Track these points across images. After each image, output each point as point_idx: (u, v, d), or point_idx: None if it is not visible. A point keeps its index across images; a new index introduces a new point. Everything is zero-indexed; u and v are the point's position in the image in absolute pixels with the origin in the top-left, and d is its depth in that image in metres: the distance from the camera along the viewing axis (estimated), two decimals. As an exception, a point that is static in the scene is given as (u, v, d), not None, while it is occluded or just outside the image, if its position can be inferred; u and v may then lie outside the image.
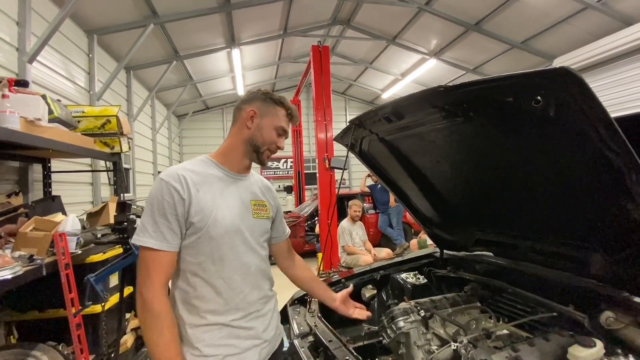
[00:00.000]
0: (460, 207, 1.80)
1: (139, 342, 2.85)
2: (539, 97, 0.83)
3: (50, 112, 2.34)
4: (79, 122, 2.90)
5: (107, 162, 3.53)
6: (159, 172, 8.22)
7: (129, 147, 3.36)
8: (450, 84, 1.00)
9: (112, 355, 2.40)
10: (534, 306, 1.43)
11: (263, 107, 1.13)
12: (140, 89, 6.95)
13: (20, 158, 2.84)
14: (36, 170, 3.19)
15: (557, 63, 6.29)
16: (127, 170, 6.03)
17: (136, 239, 0.98)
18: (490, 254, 1.84)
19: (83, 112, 3.02)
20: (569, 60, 6.10)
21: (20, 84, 2.23)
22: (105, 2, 4.27)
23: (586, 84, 0.72)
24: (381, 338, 1.57)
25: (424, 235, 4.14)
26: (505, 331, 1.37)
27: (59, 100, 2.64)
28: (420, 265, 2.09)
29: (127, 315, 2.84)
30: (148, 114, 7.59)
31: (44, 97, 2.25)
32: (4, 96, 1.84)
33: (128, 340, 2.82)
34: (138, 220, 2.44)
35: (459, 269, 1.91)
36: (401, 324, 1.50)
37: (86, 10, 4.22)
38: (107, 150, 3.06)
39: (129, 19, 4.84)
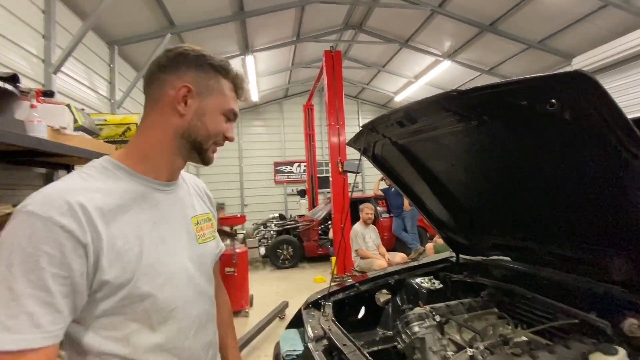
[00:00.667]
0: (475, 211, 1.78)
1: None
2: (553, 100, 0.82)
3: (75, 120, 2.45)
4: (101, 129, 3.02)
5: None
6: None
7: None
8: (463, 88, 1.00)
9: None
10: (553, 312, 1.40)
11: (201, 81, 0.74)
12: (158, 97, 7.16)
13: (47, 165, 2.97)
14: (61, 176, 3.33)
15: (576, 62, 6.12)
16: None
17: None
18: (508, 258, 1.81)
19: (105, 120, 3.15)
20: (588, 59, 5.93)
21: (47, 94, 2.34)
22: (125, 14, 4.44)
23: (602, 87, 0.72)
24: (396, 343, 1.57)
25: (439, 240, 4.09)
26: (523, 338, 1.34)
27: (82, 109, 2.76)
28: (435, 269, 2.07)
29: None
30: (165, 121, 7.80)
31: (68, 106, 2.36)
32: (32, 106, 1.93)
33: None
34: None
35: (475, 273, 1.88)
36: (416, 329, 1.49)
37: (108, 22, 4.40)
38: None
39: (148, 30, 5.02)
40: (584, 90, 0.76)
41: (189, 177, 0.90)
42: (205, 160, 0.79)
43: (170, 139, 0.73)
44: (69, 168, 3.29)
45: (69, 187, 0.63)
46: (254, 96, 9.41)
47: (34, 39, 3.25)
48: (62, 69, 3.46)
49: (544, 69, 7.47)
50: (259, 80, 8.77)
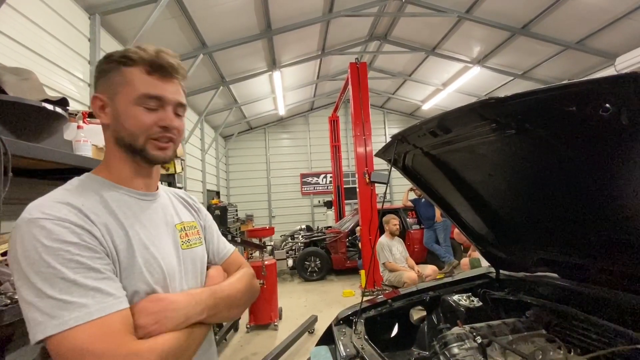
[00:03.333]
0: (517, 224, 1.67)
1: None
2: (607, 105, 0.75)
3: (116, 139, 2.60)
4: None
5: (163, 182, 3.82)
6: (208, 191, 8.71)
7: (182, 168, 3.61)
8: (502, 95, 0.95)
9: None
10: (611, 336, 1.27)
11: (107, 83, 0.73)
12: (190, 114, 7.51)
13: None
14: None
15: (620, 62, 5.73)
16: (179, 189, 6.47)
17: (56, 324, 0.57)
18: (556, 275, 1.67)
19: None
20: (633, 58, 5.53)
21: (92, 115, 2.52)
22: (161, 38, 4.74)
23: (667, 89, 0.65)
24: (433, 364, 1.48)
25: (475, 253, 3.88)
26: (578, 364, 1.22)
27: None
28: (473, 286, 1.95)
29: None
30: (198, 137, 8.14)
31: (111, 126, 2.52)
32: (79, 127, 2.08)
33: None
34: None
35: (518, 291, 1.75)
36: (455, 350, 1.40)
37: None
38: (162, 171, 3.32)
39: (182, 51, 5.32)
40: (644, 93, 0.69)
41: (173, 190, 0.95)
42: (150, 158, 0.75)
43: (114, 150, 0.76)
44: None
45: (57, 197, 0.67)
46: (281, 110, 9.62)
47: (81, 64, 3.53)
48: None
49: (584, 70, 7.05)
50: (286, 95, 8.97)
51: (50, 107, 1.68)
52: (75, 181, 0.73)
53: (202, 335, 0.75)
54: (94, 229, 0.65)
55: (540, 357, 1.30)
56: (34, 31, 2.86)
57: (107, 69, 0.73)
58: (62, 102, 1.91)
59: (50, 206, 0.64)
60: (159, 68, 0.72)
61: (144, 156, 0.74)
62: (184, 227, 0.86)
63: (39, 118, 1.64)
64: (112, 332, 0.59)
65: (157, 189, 0.85)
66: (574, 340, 1.40)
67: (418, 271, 4.50)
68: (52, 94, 1.87)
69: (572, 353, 1.33)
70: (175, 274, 0.78)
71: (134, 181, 0.77)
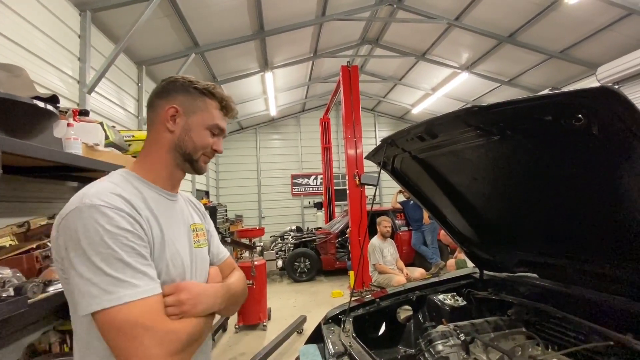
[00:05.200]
0: (500, 226, 1.74)
1: None
2: (580, 116, 0.81)
3: (107, 137, 2.58)
4: (129, 145, 3.16)
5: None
6: (197, 190, 8.62)
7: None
8: (485, 104, 1.00)
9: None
10: (586, 334, 1.33)
11: (187, 102, 0.88)
12: (181, 113, 7.44)
13: (79, 179, 3.13)
14: (91, 189, 3.49)
15: (601, 72, 5.95)
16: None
17: (111, 298, 0.66)
18: (535, 275, 1.74)
19: (133, 136, 3.30)
20: (613, 68, 5.77)
21: (82, 113, 2.49)
22: (154, 36, 4.71)
23: (631, 103, 0.71)
24: (418, 361, 1.53)
25: (461, 255, 3.98)
26: (555, 360, 1.28)
27: (113, 127, 2.91)
28: (458, 286, 2.02)
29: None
30: (187, 136, 8.07)
31: (101, 124, 2.50)
32: (69, 125, 2.06)
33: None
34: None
35: (500, 291, 1.82)
36: (440, 347, 1.45)
37: (137, 44, 4.66)
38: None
39: (174, 50, 5.28)
40: (612, 107, 0.75)
41: (185, 194, 1.05)
42: (197, 169, 0.92)
43: (165, 152, 0.88)
44: (98, 182, 3.45)
45: (107, 188, 0.76)
46: (272, 111, 9.62)
47: (71, 61, 3.48)
48: (96, 89, 3.68)
49: (567, 79, 7.29)
50: (277, 96, 8.97)
51: (41, 104, 1.67)
52: (117, 176, 0.84)
53: (212, 324, 0.86)
54: (142, 220, 0.76)
55: (520, 353, 1.36)
56: (23, 27, 2.82)
57: (191, 92, 0.89)
58: (53, 100, 1.90)
59: (108, 196, 0.73)
60: (228, 109, 0.95)
61: (194, 165, 0.91)
62: (196, 228, 0.97)
63: (29, 115, 1.63)
64: (155, 311, 0.70)
65: (177, 190, 0.96)
66: (551, 337, 1.47)
67: (407, 274, 4.58)
68: (41, 91, 1.86)
69: (549, 349, 1.40)
70: (189, 269, 0.87)
71: (166, 182, 0.90)
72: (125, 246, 0.70)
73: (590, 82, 6.56)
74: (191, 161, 0.90)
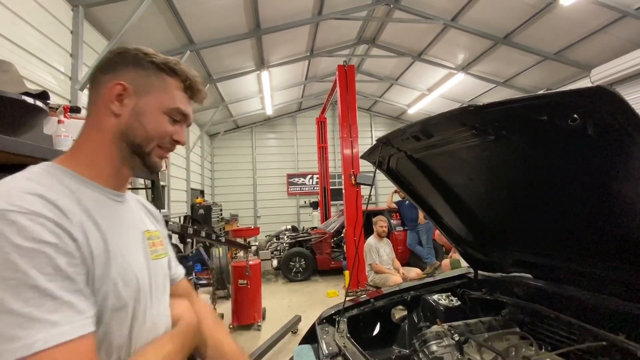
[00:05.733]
0: (495, 226, 1.74)
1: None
2: (575, 116, 0.81)
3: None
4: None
5: (146, 180, 3.74)
6: (192, 189, 8.57)
7: (166, 166, 3.55)
8: (481, 103, 1.00)
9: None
10: (579, 334, 1.34)
11: (140, 79, 0.69)
12: (176, 111, 7.38)
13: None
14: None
15: (595, 74, 6.01)
16: (162, 187, 6.35)
17: (14, 348, 0.46)
18: (529, 275, 1.74)
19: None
20: (607, 70, 5.82)
21: (74, 110, 2.45)
22: (147, 33, 4.65)
23: (626, 103, 0.70)
24: (413, 361, 1.52)
25: (455, 255, 3.99)
26: (548, 360, 1.28)
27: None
28: (453, 286, 2.01)
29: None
30: (182, 134, 8.00)
31: (93, 121, 2.46)
32: (59, 122, 2.02)
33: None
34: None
35: (495, 291, 1.82)
36: (434, 347, 1.44)
37: (131, 40, 4.61)
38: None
39: (169, 47, 5.23)
40: (607, 106, 0.75)
41: (134, 195, 0.83)
42: (149, 165, 0.71)
43: (108, 141, 0.68)
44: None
45: (22, 186, 0.56)
46: (268, 110, 9.58)
47: (63, 57, 3.43)
48: (88, 85, 3.63)
49: (561, 80, 7.35)
50: (273, 95, 8.94)
51: (30, 100, 1.63)
52: (37, 170, 0.61)
53: None
54: (74, 228, 0.56)
55: (513, 353, 1.36)
56: (13, 21, 2.77)
57: (146, 66, 0.70)
58: (43, 96, 1.86)
59: (22, 197, 0.53)
60: (193, 90, 0.75)
61: (145, 160, 0.70)
62: (151, 235, 0.78)
63: (18, 111, 1.59)
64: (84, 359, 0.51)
65: (124, 190, 0.76)
66: (545, 338, 1.47)
67: (403, 273, 4.58)
68: (32, 87, 1.82)
69: (543, 349, 1.40)
70: (146, 287, 0.70)
71: (110, 179, 0.69)
72: (44, 266, 0.50)
73: (584, 84, 6.62)
74: (141, 154, 0.69)
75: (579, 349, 1.27)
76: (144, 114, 0.69)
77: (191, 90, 0.74)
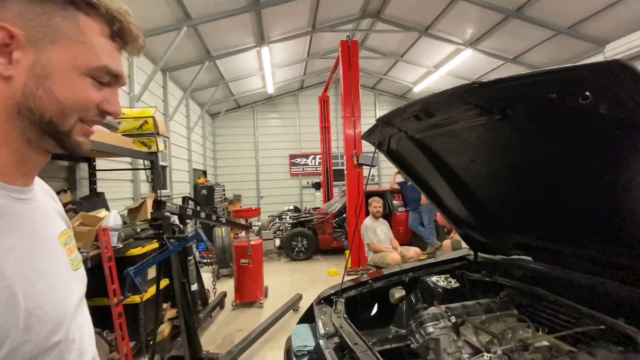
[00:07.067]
0: (496, 209, 1.70)
1: (175, 332, 3.00)
2: (587, 93, 0.75)
3: (94, 114, 2.50)
4: (119, 123, 3.08)
5: (145, 161, 3.72)
6: (195, 170, 8.57)
7: (165, 146, 3.52)
8: (485, 80, 0.93)
9: (150, 342, 2.55)
10: (578, 317, 1.33)
11: (35, 18, 0.45)
12: (175, 90, 7.25)
13: (68, 158, 3.07)
14: (83, 168, 3.44)
15: (610, 49, 5.76)
16: (164, 167, 6.34)
17: None
18: (530, 258, 1.72)
19: (123, 114, 3.20)
20: (622, 45, 5.57)
21: None
22: (143, 8, 4.48)
23: (645, 78, 0.64)
24: (409, 342, 1.53)
25: (456, 236, 3.99)
26: (545, 343, 1.28)
27: (101, 103, 2.82)
28: (452, 268, 2.00)
29: (164, 306, 3.00)
30: (183, 114, 7.92)
31: (88, 101, 2.41)
32: None
33: (165, 329, 2.98)
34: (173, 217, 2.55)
35: (494, 273, 1.81)
36: (430, 329, 1.45)
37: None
38: (144, 149, 3.23)
39: (165, 23, 5.06)
40: (623, 82, 0.68)
41: (38, 180, 0.58)
42: (69, 148, 0.51)
43: (1, 119, 0.46)
44: (89, 161, 3.39)
45: None
46: (269, 88, 9.39)
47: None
48: None
49: (574, 56, 7.06)
50: (274, 72, 8.73)
51: None
52: None
53: None
54: None
55: (510, 335, 1.36)
56: None
57: (44, 1, 0.45)
58: None
59: None
60: (125, 35, 0.51)
61: (63, 141, 0.49)
62: (66, 238, 0.58)
63: None
64: None
65: (32, 182, 0.54)
66: (543, 320, 1.47)
67: (401, 252, 4.61)
68: None
69: (540, 332, 1.40)
70: (70, 314, 0.52)
71: (10, 173, 0.48)
72: None
73: (598, 60, 6.36)
74: (57, 134, 0.48)
75: (576, 332, 1.26)
76: (51, 77, 0.46)
77: (122, 35, 0.51)
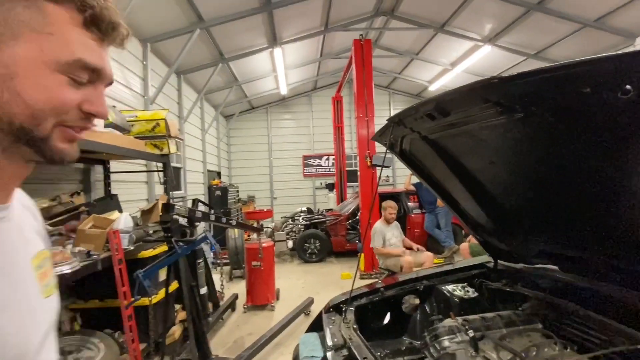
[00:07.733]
0: (518, 214, 1.58)
1: (186, 334, 2.99)
2: (628, 87, 0.64)
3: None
4: (132, 125, 3.10)
5: (158, 163, 3.75)
6: (209, 171, 8.66)
7: (177, 149, 3.53)
8: (507, 74, 0.84)
9: (161, 344, 2.54)
10: (612, 335, 1.20)
11: None
12: (189, 92, 7.34)
13: (83, 160, 3.11)
14: (97, 171, 3.49)
15: (641, 41, 5.42)
16: (178, 169, 6.41)
17: None
18: (556, 267, 1.59)
19: (136, 116, 3.23)
20: (656, 37, 5.22)
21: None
22: (156, 12, 4.54)
23: None
24: (423, 356, 1.44)
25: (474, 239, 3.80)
26: (574, 363, 1.16)
27: (114, 106, 2.84)
28: (470, 276, 1.89)
29: (176, 308, 3.00)
30: (197, 115, 8.00)
31: (100, 104, 2.42)
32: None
33: (176, 331, 2.98)
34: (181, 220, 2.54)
35: (516, 282, 1.69)
36: (446, 343, 1.35)
37: (140, 20, 4.52)
38: (156, 151, 3.24)
39: (178, 26, 5.11)
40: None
41: (19, 192, 0.53)
42: (49, 155, 0.44)
43: None
44: (104, 163, 3.44)
45: None
46: (283, 89, 9.38)
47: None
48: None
49: (602, 50, 6.70)
50: (288, 73, 8.71)
51: None
52: None
53: None
54: None
55: (535, 353, 1.25)
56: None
57: None
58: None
59: None
60: (102, 23, 0.44)
61: (41, 150, 0.43)
62: (40, 261, 0.52)
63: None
64: None
65: (10, 197, 0.49)
66: (571, 337, 1.34)
67: (417, 248, 4.39)
68: None
69: (568, 350, 1.28)
70: (35, 347, 0.47)
71: None
72: None
73: (627, 54, 6.00)
74: (32, 141, 0.42)
75: (613, 351, 1.14)
76: (17, 77, 0.40)
77: (97, 23, 0.44)
